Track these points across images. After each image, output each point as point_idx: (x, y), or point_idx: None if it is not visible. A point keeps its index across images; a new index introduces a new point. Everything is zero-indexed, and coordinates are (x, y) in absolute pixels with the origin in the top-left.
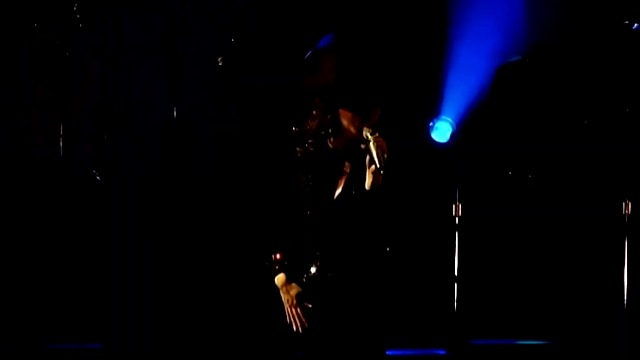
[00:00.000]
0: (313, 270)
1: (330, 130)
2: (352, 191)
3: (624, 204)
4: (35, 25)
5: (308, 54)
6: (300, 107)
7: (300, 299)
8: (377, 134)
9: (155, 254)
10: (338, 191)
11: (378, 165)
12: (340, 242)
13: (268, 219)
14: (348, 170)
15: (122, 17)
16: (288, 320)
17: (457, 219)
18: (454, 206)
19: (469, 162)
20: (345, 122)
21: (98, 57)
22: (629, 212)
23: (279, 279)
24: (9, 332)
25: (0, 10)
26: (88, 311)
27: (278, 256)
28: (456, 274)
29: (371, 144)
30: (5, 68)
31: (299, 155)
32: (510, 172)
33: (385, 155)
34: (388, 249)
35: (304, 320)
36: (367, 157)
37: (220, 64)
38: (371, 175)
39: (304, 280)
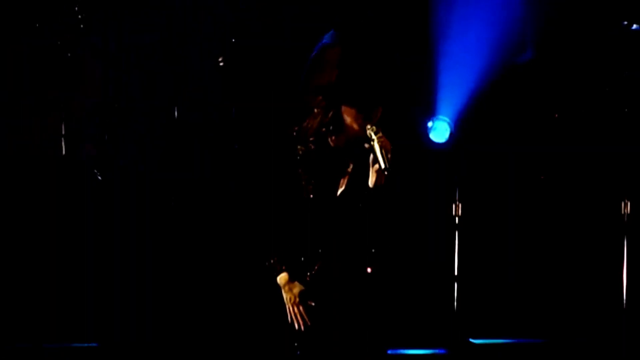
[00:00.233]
0: (316, 268)
1: (332, 128)
2: (356, 189)
3: (622, 203)
4: (37, 25)
5: (314, 53)
6: (300, 106)
7: (303, 297)
8: (380, 134)
9: (155, 254)
10: (341, 189)
11: (383, 167)
12: (342, 240)
13: (269, 218)
14: (350, 169)
15: (123, 18)
16: (289, 319)
17: (457, 218)
18: (453, 206)
19: (469, 162)
20: (348, 119)
21: (99, 57)
22: (629, 212)
23: (282, 277)
24: (6, 330)
25: (2, 10)
26: (87, 310)
27: (280, 256)
28: (456, 273)
29: (375, 143)
30: (7, 68)
31: (300, 153)
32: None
33: (390, 155)
34: (374, 251)
35: (306, 318)
36: (371, 156)
37: (221, 64)
38: (375, 174)
39: (308, 278)
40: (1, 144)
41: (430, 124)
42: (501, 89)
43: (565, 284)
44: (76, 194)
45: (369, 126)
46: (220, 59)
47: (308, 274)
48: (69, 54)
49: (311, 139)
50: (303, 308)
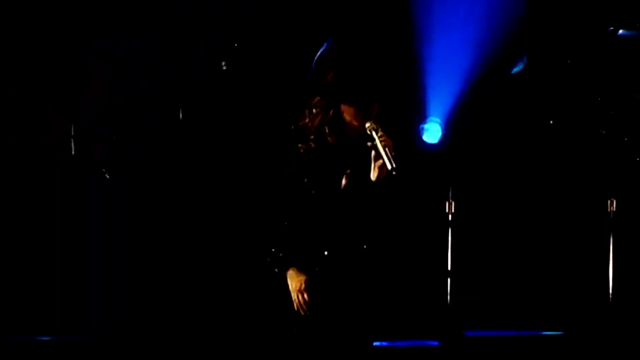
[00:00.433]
0: (320, 263)
1: (332, 126)
2: (358, 184)
3: (609, 201)
4: (47, 27)
5: (319, 51)
6: (299, 104)
7: (308, 285)
8: (380, 132)
9: (164, 250)
10: (343, 184)
11: (390, 167)
12: (345, 233)
13: (270, 218)
14: (350, 166)
15: (129, 19)
16: (295, 306)
17: (449, 215)
18: (447, 203)
19: (462, 162)
20: (347, 117)
21: (106, 59)
22: (614, 210)
23: (289, 271)
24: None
25: (12, 13)
26: (86, 306)
27: (286, 251)
28: (449, 268)
29: (377, 142)
30: (19, 71)
31: (301, 151)
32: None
33: (393, 153)
34: (365, 247)
35: (309, 308)
36: (373, 152)
37: (224, 67)
38: (377, 169)
39: (315, 272)
40: (12, 144)
41: (422, 126)
42: (491, 89)
43: (557, 277)
44: (85, 192)
45: (368, 124)
46: (223, 63)
47: (316, 268)
48: (78, 57)
49: (312, 137)
50: (307, 296)
